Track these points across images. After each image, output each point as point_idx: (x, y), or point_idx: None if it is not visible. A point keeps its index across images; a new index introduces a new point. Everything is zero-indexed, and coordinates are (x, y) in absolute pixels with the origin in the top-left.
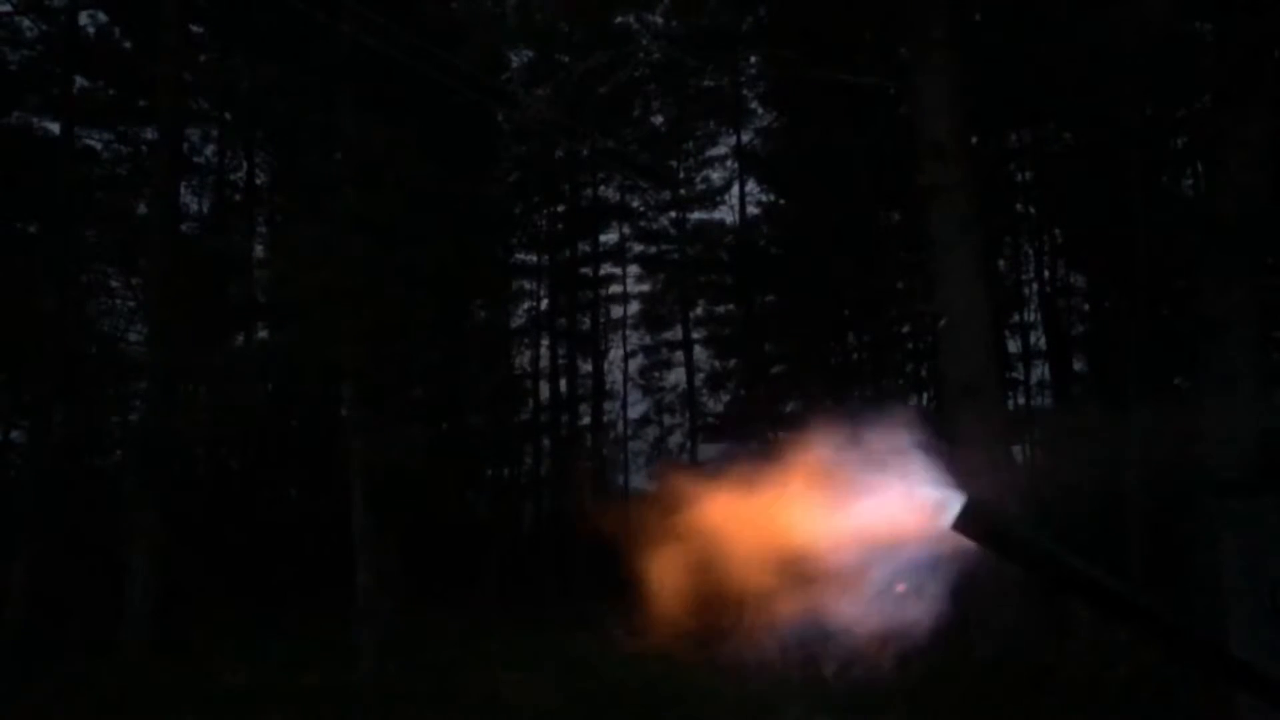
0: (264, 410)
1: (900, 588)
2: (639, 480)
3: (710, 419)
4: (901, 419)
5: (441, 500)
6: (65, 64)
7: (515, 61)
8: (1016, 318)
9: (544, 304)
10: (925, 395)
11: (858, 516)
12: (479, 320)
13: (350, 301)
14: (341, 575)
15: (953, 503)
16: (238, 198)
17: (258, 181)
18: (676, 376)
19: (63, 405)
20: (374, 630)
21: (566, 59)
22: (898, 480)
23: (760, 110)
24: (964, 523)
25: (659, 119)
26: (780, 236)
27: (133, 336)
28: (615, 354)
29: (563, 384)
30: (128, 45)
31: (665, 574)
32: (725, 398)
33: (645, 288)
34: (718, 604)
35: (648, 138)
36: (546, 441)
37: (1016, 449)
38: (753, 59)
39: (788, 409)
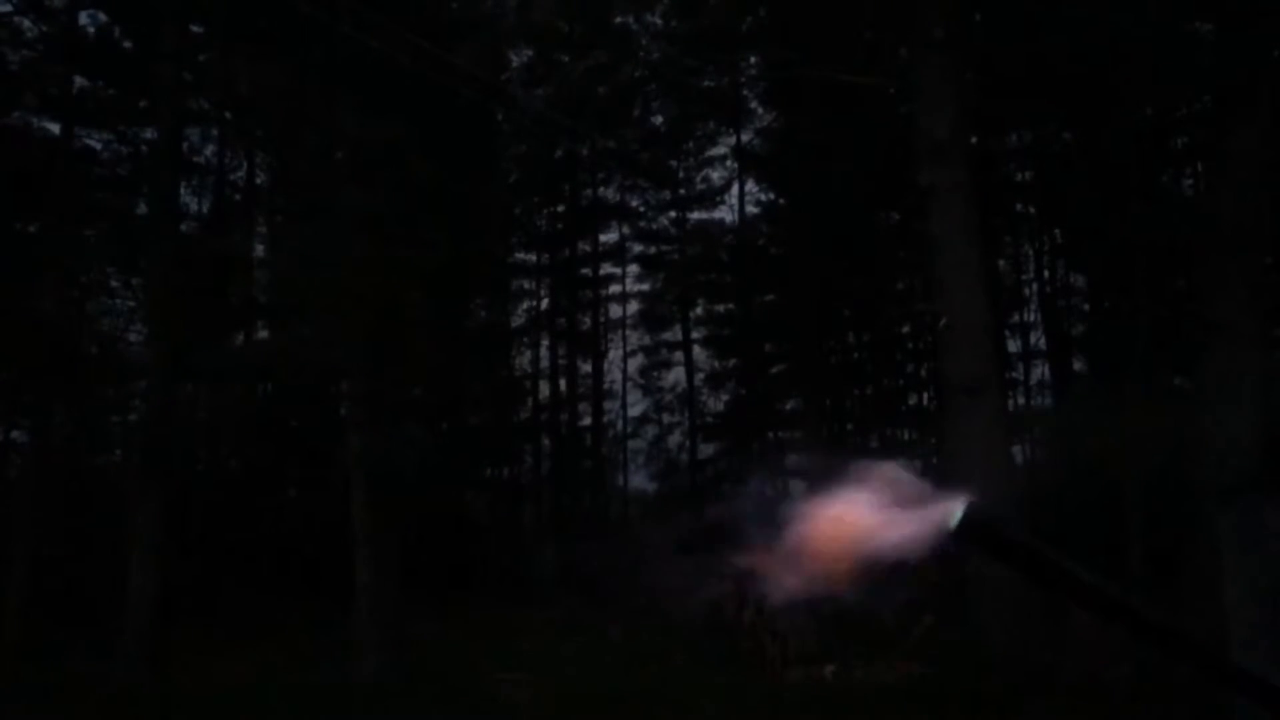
0: (264, 410)
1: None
2: (639, 480)
3: (710, 419)
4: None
5: (441, 500)
6: (65, 64)
7: (515, 61)
8: (1016, 318)
9: (544, 304)
10: (925, 395)
11: (859, 524)
12: (479, 320)
13: (350, 301)
14: (341, 575)
15: (954, 510)
16: (238, 198)
17: (258, 181)
18: (676, 376)
19: (63, 405)
20: (374, 630)
21: (566, 59)
22: (898, 492)
23: (760, 110)
24: (965, 530)
25: (659, 119)
26: (780, 236)
27: (133, 336)
28: (615, 354)
29: (563, 384)
30: (128, 45)
31: (667, 576)
32: (725, 398)
33: (645, 288)
34: (719, 606)
35: (648, 138)
36: (546, 441)
37: (1016, 449)
38: (753, 59)
39: (787, 409)
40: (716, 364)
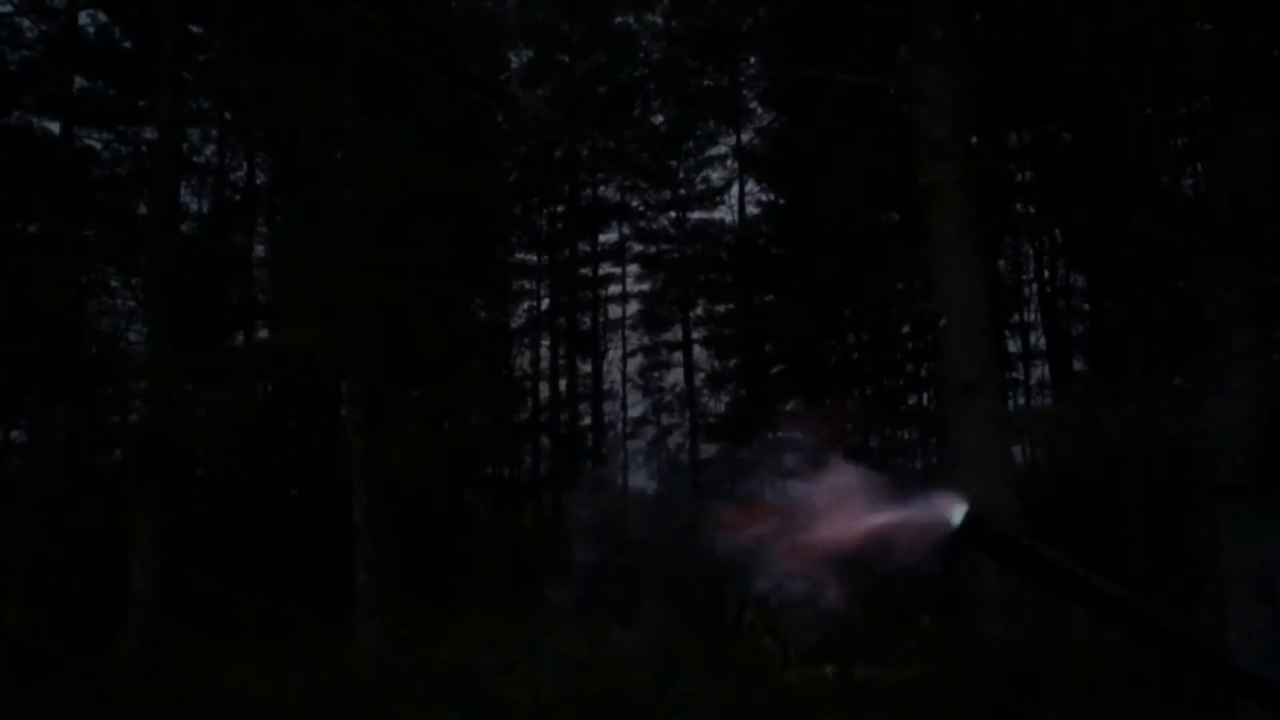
0: (264, 410)
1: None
2: (638, 480)
3: (710, 419)
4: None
5: (441, 500)
6: (65, 64)
7: (515, 61)
8: (1016, 318)
9: (544, 304)
10: (925, 395)
11: (860, 525)
12: (479, 320)
13: (350, 302)
14: (341, 575)
15: (956, 512)
16: (238, 198)
17: (258, 181)
18: (676, 376)
19: (63, 405)
20: (374, 630)
21: (566, 59)
22: (899, 492)
23: (760, 110)
24: (967, 531)
25: (659, 119)
26: (780, 236)
27: (133, 336)
28: (615, 354)
29: (563, 384)
30: (128, 45)
31: (666, 577)
32: (725, 398)
33: (645, 288)
34: (718, 606)
35: (648, 138)
36: (546, 441)
37: (1016, 449)
38: (753, 59)
39: (787, 409)
40: (717, 364)
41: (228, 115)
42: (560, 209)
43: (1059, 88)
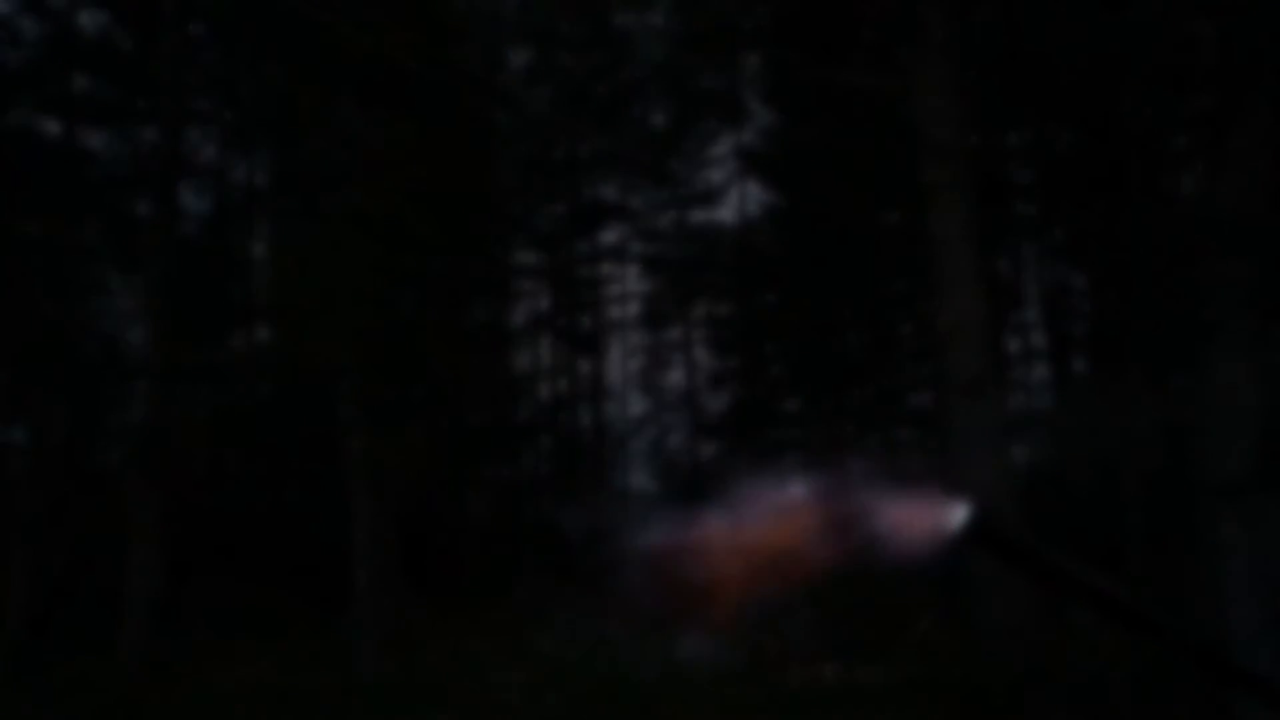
0: (264, 410)
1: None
2: (639, 480)
3: (710, 419)
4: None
5: (441, 500)
6: (65, 64)
7: (515, 61)
8: (1016, 318)
9: (544, 304)
10: (925, 395)
11: (866, 527)
12: (479, 320)
13: (350, 302)
14: (341, 576)
15: (958, 513)
16: (238, 198)
17: (257, 181)
18: (676, 376)
19: (63, 405)
20: (374, 630)
21: (566, 59)
22: (904, 494)
23: (760, 110)
24: (969, 532)
25: (659, 119)
26: (780, 236)
27: (133, 337)
28: (615, 354)
29: (563, 384)
30: (128, 45)
31: (667, 576)
32: (725, 398)
33: (645, 288)
34: (720, 606)
35: (648, 138)
36: (546, 441)
37: (1016, 449)
38: (753, 59)
39: (787, 409)
40: (717, 364)
41: (228, 115)
42: (560, 209)
43: (1059, 87)
